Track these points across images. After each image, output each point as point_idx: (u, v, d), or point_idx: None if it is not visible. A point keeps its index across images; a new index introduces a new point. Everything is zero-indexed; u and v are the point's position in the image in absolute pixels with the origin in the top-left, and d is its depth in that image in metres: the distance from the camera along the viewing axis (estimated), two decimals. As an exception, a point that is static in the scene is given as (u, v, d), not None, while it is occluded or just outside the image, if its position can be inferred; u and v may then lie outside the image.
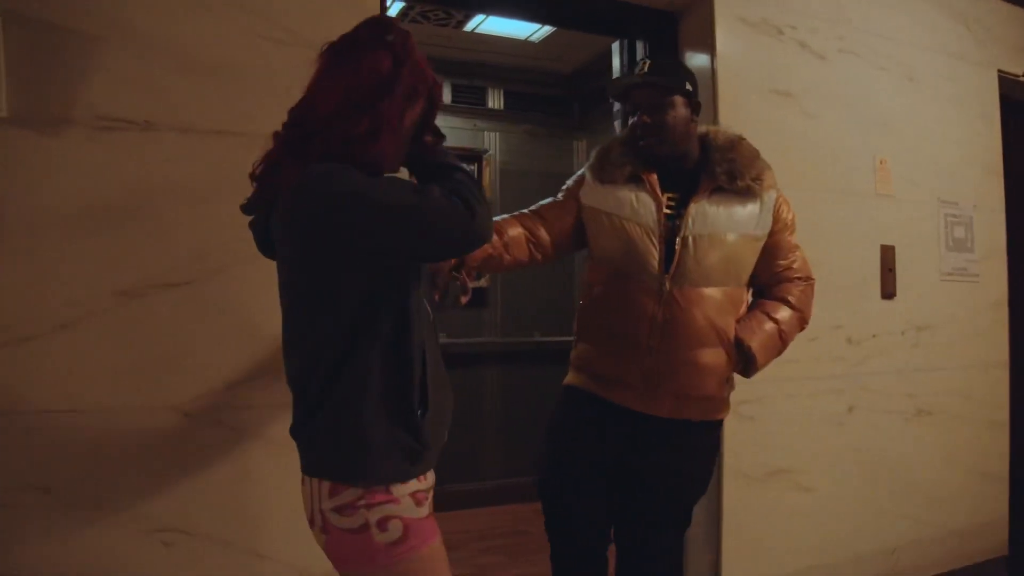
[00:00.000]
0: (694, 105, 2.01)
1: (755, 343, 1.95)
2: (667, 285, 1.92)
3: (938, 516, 3.15)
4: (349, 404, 1.25)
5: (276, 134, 1.31)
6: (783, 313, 2.01)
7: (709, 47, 2.65)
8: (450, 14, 3.69)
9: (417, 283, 1.32)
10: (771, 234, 2.01)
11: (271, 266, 1.83)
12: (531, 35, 3.95)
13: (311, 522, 1.31)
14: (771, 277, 2.06)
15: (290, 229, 1.26)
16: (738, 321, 1.98)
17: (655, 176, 2.00)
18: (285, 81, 1.93)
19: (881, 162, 3.01)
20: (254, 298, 1.89)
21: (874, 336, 2.98)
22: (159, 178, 1.84)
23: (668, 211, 1.97)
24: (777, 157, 2.59)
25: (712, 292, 1.93)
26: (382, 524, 1.24)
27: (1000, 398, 3.39)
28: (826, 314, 2.81)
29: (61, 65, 1.75)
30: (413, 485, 1.29)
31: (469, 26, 3.87)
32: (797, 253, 2.07)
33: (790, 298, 2.03)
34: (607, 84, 2.15)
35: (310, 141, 1.25)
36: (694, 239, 1.93)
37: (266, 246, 1.39)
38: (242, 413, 1.90)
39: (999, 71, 3.48)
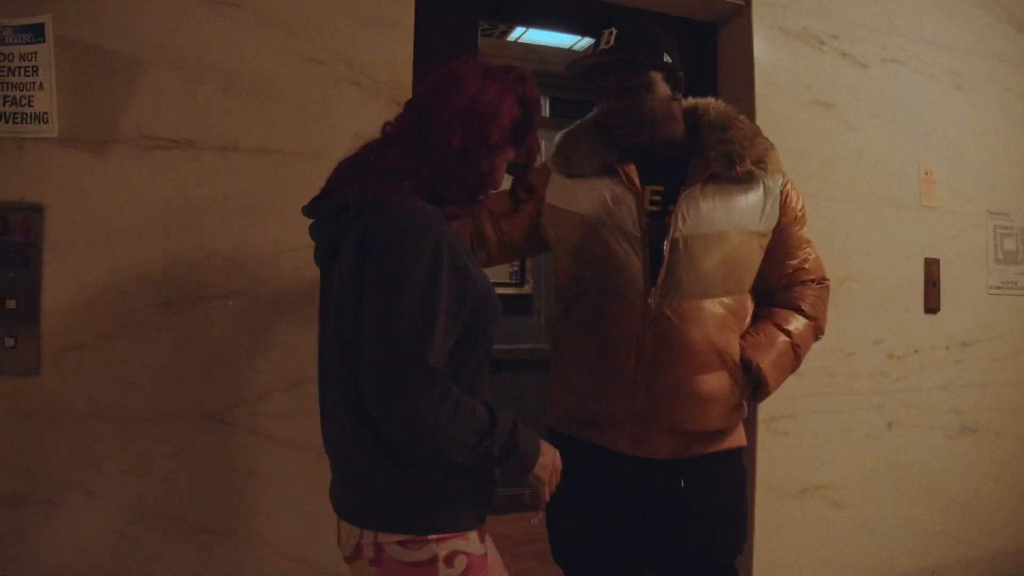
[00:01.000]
0: (675, 80, 1.66)
1: (766, 363, 1.64)
2: (654, 301, 1.60)
3: (983, 537, 3.06)
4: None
5: (384, 126, 1.30)
6: (796, 323, 1.72)
7: (748, 58, 2.62)
8: (494, 24, 3.73)
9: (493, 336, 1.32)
10: (778, 228, 1.70)
11: (305, 280, 1.91)
12: (574, 44, 3.97)
13: (355, 555, 1.25)
14: (780, 280, 1.75)
15: (362, 255, 1.19)
16: (743, 336, 1.68)
17: (633, 167, 1.66)
18: (322, 99, 2.00)
19: (927, 173, 2.94)
20: (287, 311, 1.95)
21: (916, 351, 2.91)
22: (200, 194, 1.90)
23: (653, 208, 1.64)
24: (818, 169, 2.57)
25: (711, 305, 1.61)
26: (449, 560, 1.22)
27: (1051, 415, 3.28)
28: (865, 328, 2.77)
29: (109, 87, 1.82)
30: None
31: (512, 36, 3.93)
32: (808, 249, 1.77)
33: (803, 305, 1.74)
34: (568, 65, 1.69)
35: (414, 159, 1.22)
36: (686, 241, 1.60)
37: (328, 255, 1.29)
38: (276, 421, 1.96)
39: (1055, 76, 3.36)
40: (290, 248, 1.95)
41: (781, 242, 1.72)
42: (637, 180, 1.65)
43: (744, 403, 1.73)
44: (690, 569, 1.72)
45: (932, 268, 2.94)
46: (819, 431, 2.69)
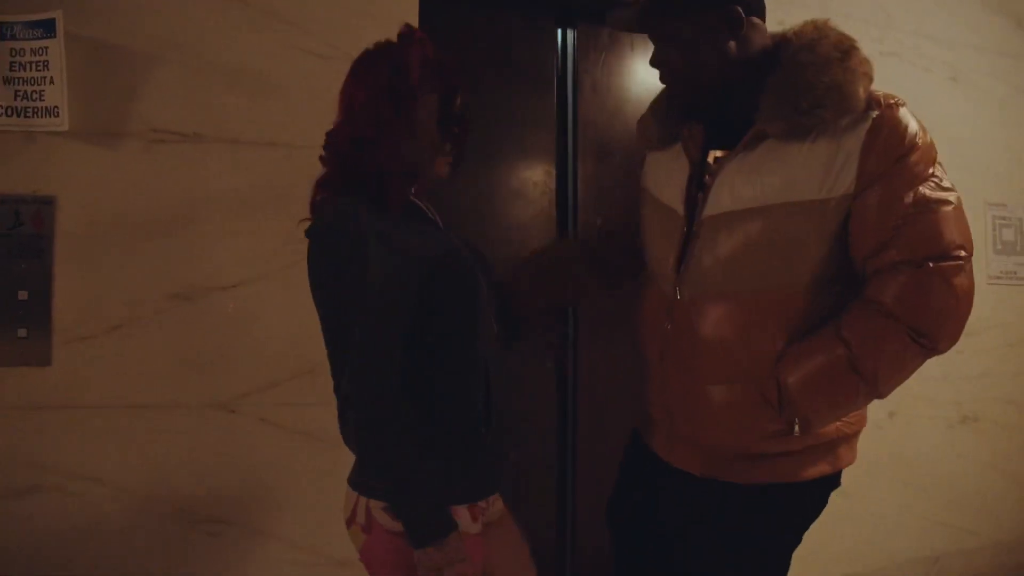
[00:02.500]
0: (728, 19, 1.29)
1: (794, 378, 1.24)
2: (678, 290, 1.38)
3: (984, 526, 3.09)
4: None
5: (321, 158, 1.34)
6: (863, 327, 1.22)
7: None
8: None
9: (481, 300, 1.31)
10: (862, 188, 1.22)
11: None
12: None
13: (350, 519, 1.28)
14: (865, 264, 1.26)
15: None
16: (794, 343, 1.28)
17: (700, 129, 1.38)
18: (327, 94, 2.01)
19: (924, 165, 2.96)
20: (295, 301, 1.96)
21: (916, 341, 2.93)
22: (208, 187, 1.94)
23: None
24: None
25: (732, 301, 1.31)
26: None
27: (1051, 405, 3.31)
28: (866, 319, 2.79)
29: (118, 82, 1.86)
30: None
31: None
32: (905, 214, 1.20)
33: (884, 297, 1.21)
34: (607, 16, 1.43)
35: (336, 160, 1.29)
36: (712, 222, 1.32)
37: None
38: (284, 411, 1.99)
39: (1053, 69, 3.40)
40: (297, 239, 1.95)
41: (862, 210, 1.23)
42: (698, 145, 1.38)
43: (796, 427, 1.29)
44: None
45: (931, 259, 2.95)
46: (821, 421, 2.71)
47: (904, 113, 1.26)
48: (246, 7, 1.96)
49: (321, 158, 1.33)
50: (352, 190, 1.25)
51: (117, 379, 1.86)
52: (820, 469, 1.34)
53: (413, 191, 1.35)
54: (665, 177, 1.46)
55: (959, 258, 1.22)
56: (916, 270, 1.20)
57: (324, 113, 1.99)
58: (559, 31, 2.59)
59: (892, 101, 1.26)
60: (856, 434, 1.41)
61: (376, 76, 1.27)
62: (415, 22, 2.11)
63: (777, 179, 1.26)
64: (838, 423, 1.33)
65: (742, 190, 1.29)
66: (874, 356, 1.21)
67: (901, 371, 1.24)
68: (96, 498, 1.84)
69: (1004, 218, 3.20)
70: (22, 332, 1.78)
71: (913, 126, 1.25)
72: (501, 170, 2.48)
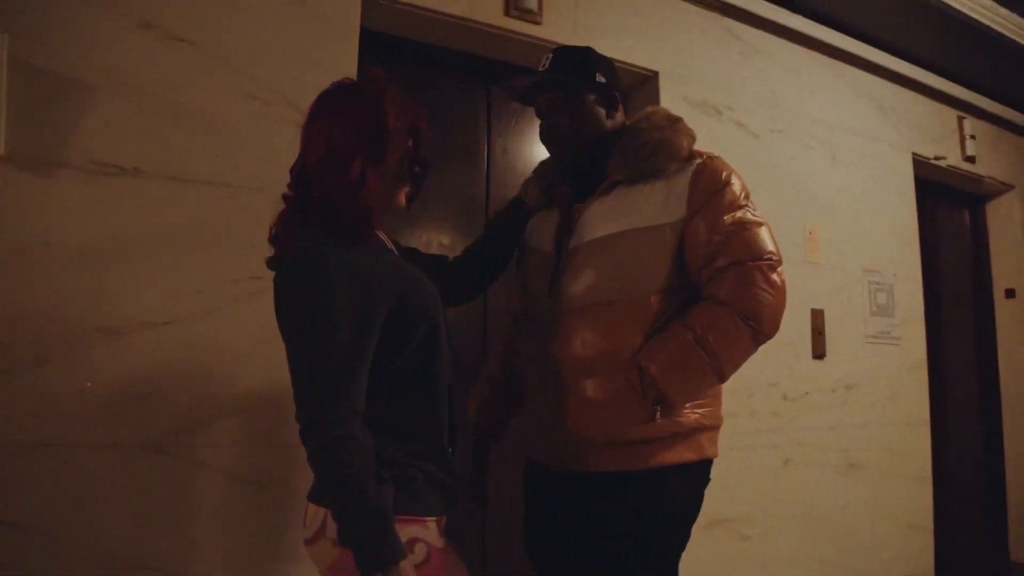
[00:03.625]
0: (609, 100, 1.70)
1: (655, 364, 1.49)
2: (547, 309, 1.67)
3: (871, 566, 3.30)
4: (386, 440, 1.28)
5: (284, 196, 1.38)
6: (702, 316, 1.51)
7: (655, 122, 2.88)
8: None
9: (442, 327, 1.38)
10: (691, 216, 1.56)
11: (246, 312, 1.97)
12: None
13: (317, 535, 1.28)
14: (700, 273, 1.56)
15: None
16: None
17: (567, 189, 1.74)
18: (267, 137, 2.09)
19: (810, 232, 3.27)
20: (229, 342, 1.98)
21: (807, 393, 3.18)
22: (145, 222, 1.93)
23: None
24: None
25: (596, 310, 1.58)
26: (410, 545, 1.23)
27: (923, 453, 3.62)
28: (762, 372, 3.01)
29: (60, 111, 1.85)
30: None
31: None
32: (726, 231, 1.53)
33: (719, 292, 1.51)
34: (505, 86, 1.75)
35: (308, 197, 1.32)
36: (576, 251, 1.64)
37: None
38: (214, 451, 1.95)
39: (913, 154, 3.85)
40: (232, 279, 1.99)
41: (693, 232, 1.56)
42: (567, 200, 1.72)
43: (657, 413, 1.53)
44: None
45: (818, 318, 3.24)
46: (724, 467, 2.86)
47: (721, 162, 1.64)
48: (193, 48, 2.01)
49: (285, 196, 1.38)
50: (320, 225, 1.30)
51: (40, 415, 1.78)
52: (685, 456, 1.57)
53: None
54: (540, 229, 1.78)
55: (772, 259, 1.55)
56: (740, 268, 1.51)
57: (264, 155, 2.08)
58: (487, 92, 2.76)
59: (712, 155, 1.66)
60: (715, 428, 1.64)
61: (355, 116, 1.31)
62: (354, 72, 2.22)
63: (627, 213, 1.60)
64: (696, 415, 1.58)
65: (600, 225, 1.62)
66: (715, 336, 1.49)
67: (737, 348, 1.52)
68: (12, 543, 1.73)
69: (878, 283, 3.54)
70: (-61, 362, 1.71)
71: (727, 171, 1.62)
72: (432, 222, 2.58)
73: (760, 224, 1.58)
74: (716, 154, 1.66)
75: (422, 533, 1.27)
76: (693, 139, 1.69)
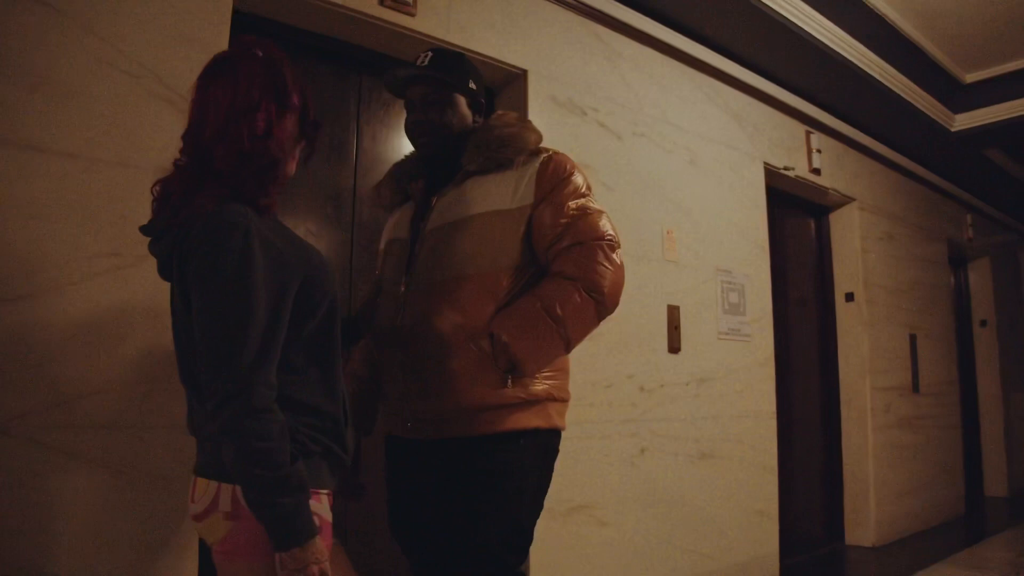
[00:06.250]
0: (477, 105, 1.86)
1: (506, 332, 1.62)
2: (403, 288, 1.77)
3: (721, 550, 3.49)
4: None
5: (176, 161, 1.34)
6: (549, 288, 1.66)
7: (523, 120, 2.95)
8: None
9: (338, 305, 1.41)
10: (537, 204, 1.72)
11: (101, 288, 1.88)
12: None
13: (209, 510, 1.26)
14: (547, 255, 1.72)
15: (183, 266, 1.27)
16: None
17: (421, 183, 1.87)
18: (133, 112, 2.01)
19: (668, 232, 3.44)
20: (85, 318, 1.89)
21: (662, 386, 3.33)
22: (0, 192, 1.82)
23: None
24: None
25: (454, 286, 1.69)
26: None
27: (770, 444, 3.87)
28: (620, 365, 3.13)
29: None
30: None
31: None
32: (570, 216, 1.70)
33: (564, 268, 1.67)
34: (385, 75, 1.86)
35: (207, 161, 1.29)
36: (429, 234, 1.76)
37: (167, 269, 1.36)
38: (64, 433, 1.84)
39: (765, 163, 4.12)
40: (88, 255, 1.90)
41: (540, 216, 1.71)
42: (421, 192, 1.86)
43: (509, 379, 1.66)
44: (456, 553, 1.69)
45: (674, 314, 3.41)
46: (582, 455, 2.97)
47: (565, 157, 1.79)
48: (55, 14, 1.88)
49: (177, 162, 1.34)
50: (228, 182, 1.28)
51: None
52: (535, 422, 1.70)
53: None
54: (397, 223, 1.90)
55: (612, 240, 1.72)
56: (583, 247, 1.68)
57: (129, 129, 2.00)
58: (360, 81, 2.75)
59: (558, 151, 1.81)
60: (563, 401, 1.78)
61: (256, 74, 1.32)
62: (225, 47, 2.16)
63: (480, 198, 1.74)
64: (545, 386, 1.72)
65: (455, 209, 1.75)
66: (560, 304, 1.63)
67: (581, 318, 1.67)
68: None
69: (730, 283, 3.76)
70: None
71: (571, 164, 1.78)
72: (300, 210, 2.54)
73: (601, 212, 1.76)
74: (562, 152, 1.81)
75: (315, 507, 1.26)
76: (540, 137, 1.85)
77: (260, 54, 1.35)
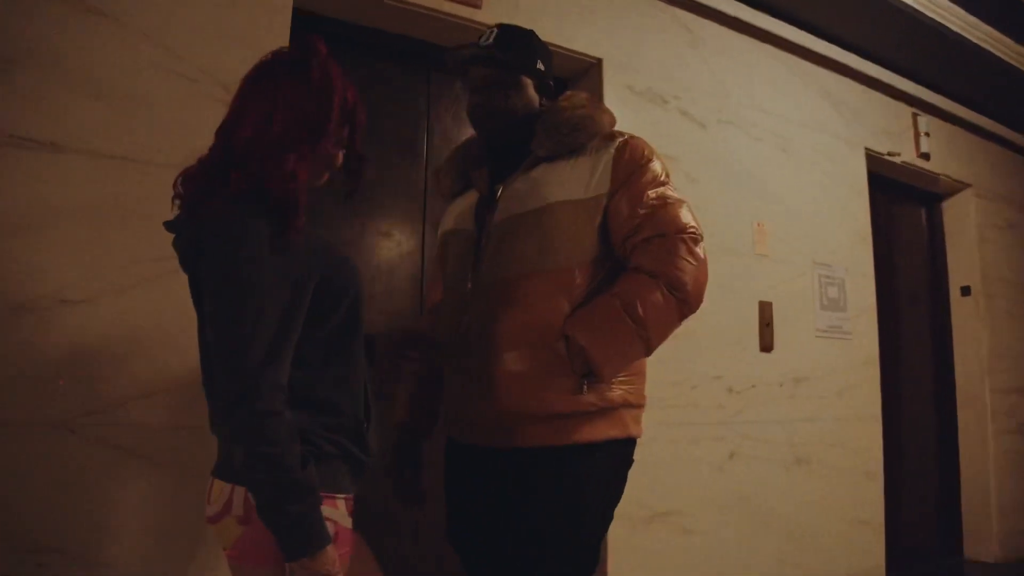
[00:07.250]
0: (544, 87, 1.73)
1: (580, 331, 1.50)
2: (469, 286, 1.65)
3: (818, 562, 3.29)
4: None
5: (200, 158, 1.32)
6: (628, 285, 1.53)
7: (600, 112, 2.86)
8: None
9: (362, 304, 1.37)
10: (614, 192, 1.59)
11: (163, 292, 1.92)
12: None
13: (222, 512, 1.23)
14: (624, 247, 1.59)
15: (199, 263, 1.27)
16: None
17: (485, 171, 1.75)
18: (192, 116, 2.05)
19: (759, 224, 3.26)
20: (146, 319, 1.95)
21: (753, 387, 3.17)
22: (63, 197, 1.89)
23: None
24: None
25: (521, 282, 1.57)
26: None
27: (874, 450, 3.62)
28: (707, 365, 3.00)
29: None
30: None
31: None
32: (650, 206, 1.57)
33: (643, 262, 1.54)
34: (446, 54, 1.74)
35: (232, 170, 1.25)
36: (498, 226, 1.63)
37: (188, 262, 1.34)
38: (127, 432, 1.91)
39: (866, 148, 3.86)
40: (152, 257, 1.96)
41: (617, 205, 1.59)
42: (486, 182, 1.73)
43: (584, 385, 1.54)
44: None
45: (765, 310, 3.24)
46: (666, 459, 2.85)
47: (643, 142, 1.65)
48: (116, 24, 1.97)
49: (201, 158, 1.32)
50: (244, 189, 1.23)
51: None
52: (610, 432, 1.56)
53: None
54: (459, 211, 1.77)
55: (695, 233, 1.58)
56: (664, 239, 1.54)
57: (188, 134, 2.04)
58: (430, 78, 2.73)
59: (634, 135, 1.66)
60: (639, 407, 1.64)
61: (297, 102, 1.26)
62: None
63: (552, 186, 1.60)
64: (621, 391, 1.58)
65: (524, 199, 1.61)
66: (642, 304, 1.50)
67: (663, 318, 1.53)
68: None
69: (829, 277, 3.55)
70: None
71: (649, 149, 1.64)
72: (371, 210, 2.55)
73: (682, 201, 1.62)
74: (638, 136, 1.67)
75: (331, 512, 1.22)
76: (614, 119, 1.72)
77: (314, 74, 1.28)
